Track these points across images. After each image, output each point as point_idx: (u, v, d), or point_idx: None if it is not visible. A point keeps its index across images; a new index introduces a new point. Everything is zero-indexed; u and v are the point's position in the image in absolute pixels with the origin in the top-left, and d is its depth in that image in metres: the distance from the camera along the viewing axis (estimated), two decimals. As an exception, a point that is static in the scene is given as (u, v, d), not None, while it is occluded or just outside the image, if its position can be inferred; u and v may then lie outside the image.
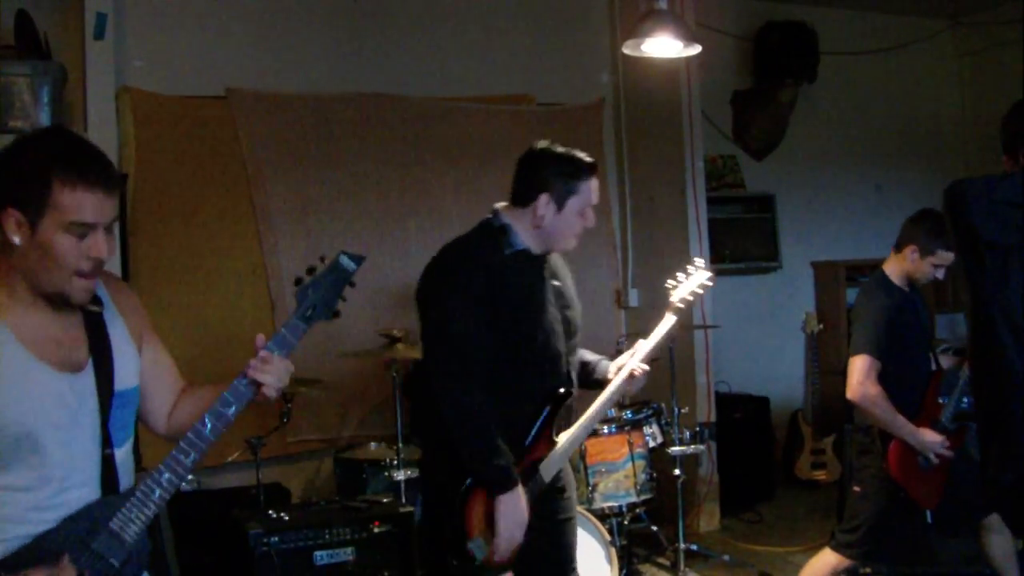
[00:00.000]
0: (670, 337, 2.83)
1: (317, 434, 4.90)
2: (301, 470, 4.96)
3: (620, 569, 3.90)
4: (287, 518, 3.75)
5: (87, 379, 1.78)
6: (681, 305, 2.80)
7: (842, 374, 3.49)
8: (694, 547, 4.72)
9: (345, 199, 5.08)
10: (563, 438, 2.68)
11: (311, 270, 1.84)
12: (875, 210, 6.77)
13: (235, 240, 4.84)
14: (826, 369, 6.13)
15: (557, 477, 2.71)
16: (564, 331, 2.68)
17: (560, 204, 2.61)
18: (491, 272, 2.54)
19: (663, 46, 4.02)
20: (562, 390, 2.63)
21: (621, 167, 5.95)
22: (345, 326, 4.36)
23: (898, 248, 3.52)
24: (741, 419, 5.82)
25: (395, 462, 4.15)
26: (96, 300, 1.82)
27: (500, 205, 2.70)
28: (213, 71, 4.87)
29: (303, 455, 4.94)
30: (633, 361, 2.76)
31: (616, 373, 2.80)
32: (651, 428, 4.40)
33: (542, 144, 2.69)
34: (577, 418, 2.75)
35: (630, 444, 4.18)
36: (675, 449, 4.54)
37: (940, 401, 3.51)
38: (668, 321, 2.79)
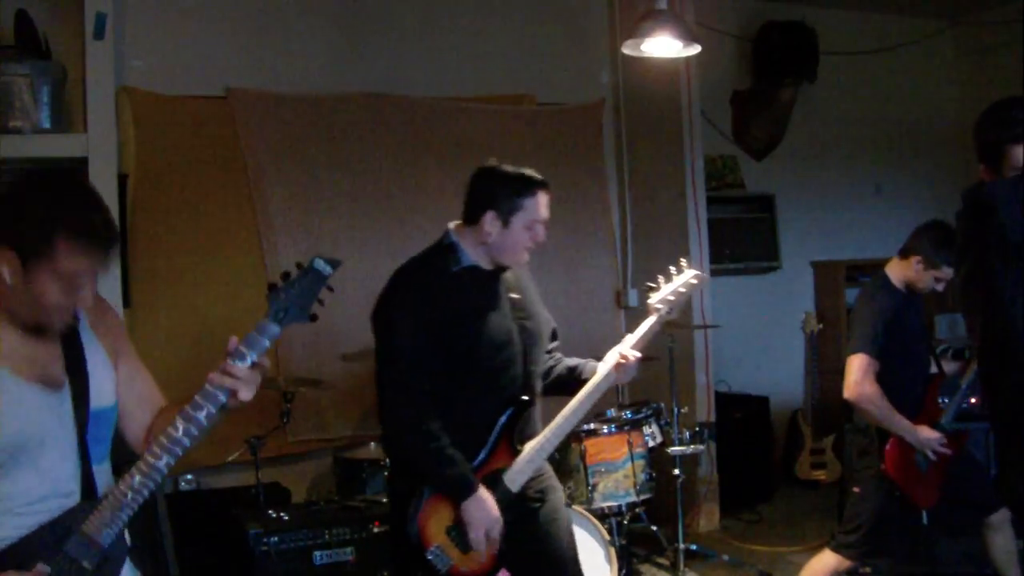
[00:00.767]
0: (653, 336, 2.84)
1: (317, 434, 4.90)
2: (301, 470, 4.95)
3: (620, 569, 3.90)
4: (287, 518, 3.76)
5: (65, 397, 1.80)
6: (660, 306, 2.82)
7: (842, 374, 3.49)
8: (694, 547, 4.72)
9: (345, 199, 5.07)
10: (529, 446, 2.70)
11: (286, 275, 1.85)
12: (875, 210, 6.78)
13: (235, 240, 4.84)
14: (826, 369, 6.13)
15: (533, 486, 2.73)
16: (523, 341, 2.72)
17: (506, 221, 2.66)
18: (437, 290, 2.63)
19: (663, 46, 4.03)
20: (525, 397, 2.69)
21: (621, 167, 5.95)
22: (345, 327, 4.36)
23: (903, 255, 3.53)
24: (741, 419, 5.83)
25: (395, 462, 4.15)
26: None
27: (452, 224, 2.78)
28: (213, 71, 4.87)
29: (303, 455, 4.94)
30: (622, 347, 2.78)
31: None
32: (651, 428, 4.39)
33: (491, 162, 2.76)
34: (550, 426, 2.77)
35: (630, 444, 4.18)
36: (675, 449, 4.54)
37: (941, 402, 3.51)
38: (649, 322, 2.82)
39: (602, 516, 4.06)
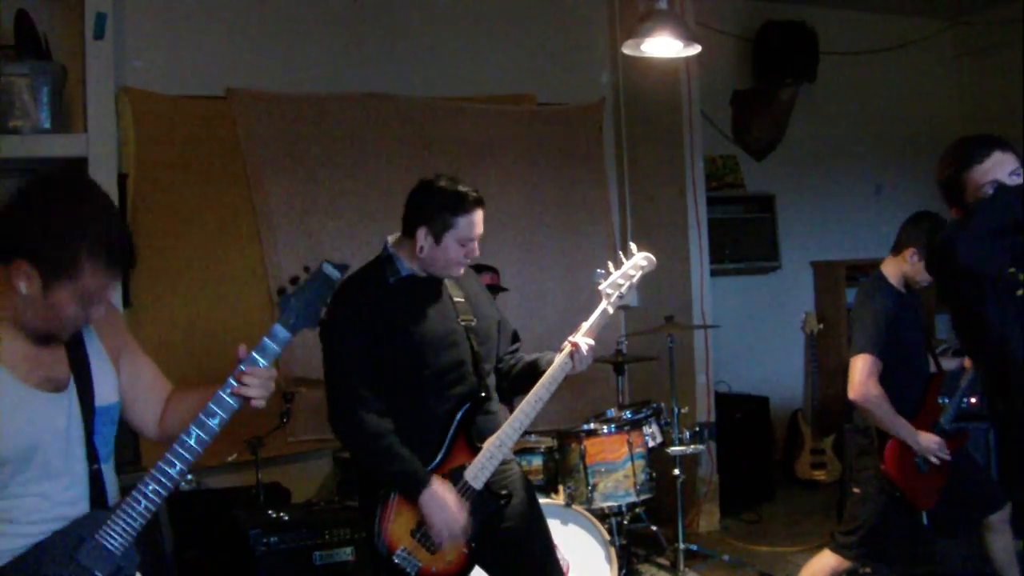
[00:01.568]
0: (606, 321, 2.89)
1: (317, 434, 4.89)
2: (301, 470, 4.95)
3: (620, 569, 3.90)
4: (287, 518, 3.75)
5: (71, 397, 1.81)
6: (610, 291, 2.87)
7: (842, 374, 3.48)
8: (694, 547, 4.72)
9: (345, 199, 5.08)
10: (488, 441, 2.71)
11: (294, 280, 1.85)
12: (875, 210, 6.77)
13: (235, 240, 4.84)
14: (826, 369, 6.13)
15: (499, 482, 2.74)
16: (470, 340, 2.75)
17: (437, 238, 2.70)
18: (375, 300, 2.68)
19: (663, 46, 4.02)
20: (482, 394, 2.71)
21: (621, 167, 5.95)
22: (345, 326, 4.36)
23: (896, 251, 3.51)
24: (741, 419, 5.82)
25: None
26: None
27: (391, 236, 2.85)
28: (213, 71, 4.87)
29: (303, 455, 4.94)
30: (575, 336, 2.80)
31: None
32: (651, 428, 4.39)
33: (429, 177, 2.79)
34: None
35: (629, 444, 4.18)
36: (675, 449, 4.54)
37: (941, 402, 3.51)
38: (600, 309, 2.86)
39: (602, 516, 4.06)
